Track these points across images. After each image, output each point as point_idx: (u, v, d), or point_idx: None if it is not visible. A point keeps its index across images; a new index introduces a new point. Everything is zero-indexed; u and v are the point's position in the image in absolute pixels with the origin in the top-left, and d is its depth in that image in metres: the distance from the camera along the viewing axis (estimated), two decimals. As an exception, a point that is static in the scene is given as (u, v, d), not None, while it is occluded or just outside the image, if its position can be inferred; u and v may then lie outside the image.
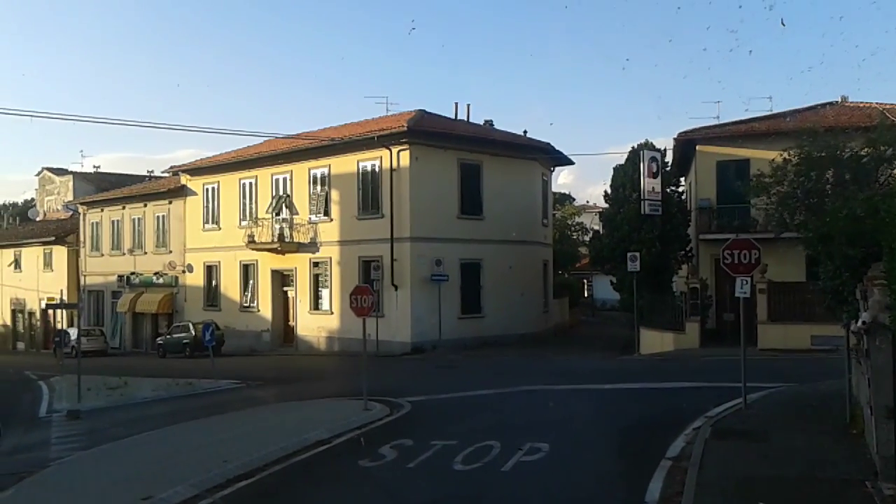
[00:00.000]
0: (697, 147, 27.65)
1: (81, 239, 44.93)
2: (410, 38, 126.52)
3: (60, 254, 46.13)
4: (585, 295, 55.80)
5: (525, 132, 33.20)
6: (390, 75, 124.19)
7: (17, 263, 48.65)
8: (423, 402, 15.69)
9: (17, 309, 49.07)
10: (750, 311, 25.92)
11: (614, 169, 28.86)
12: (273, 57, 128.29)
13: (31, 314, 47.95)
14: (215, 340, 21.30)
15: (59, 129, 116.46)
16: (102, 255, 43.49)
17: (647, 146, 27.29)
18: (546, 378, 18.65)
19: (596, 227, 61.64)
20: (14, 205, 76.06)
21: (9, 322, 49.52)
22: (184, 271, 38.12)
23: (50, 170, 59.13)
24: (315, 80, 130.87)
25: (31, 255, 47.67)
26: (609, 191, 28.87)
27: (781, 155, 15.24)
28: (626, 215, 27.39)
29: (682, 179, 31.74)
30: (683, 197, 28.64)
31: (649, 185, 26.29)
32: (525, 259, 32.10)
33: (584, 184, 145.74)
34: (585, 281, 57.92)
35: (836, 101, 29.57)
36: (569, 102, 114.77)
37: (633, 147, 28.49)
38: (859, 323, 9.07)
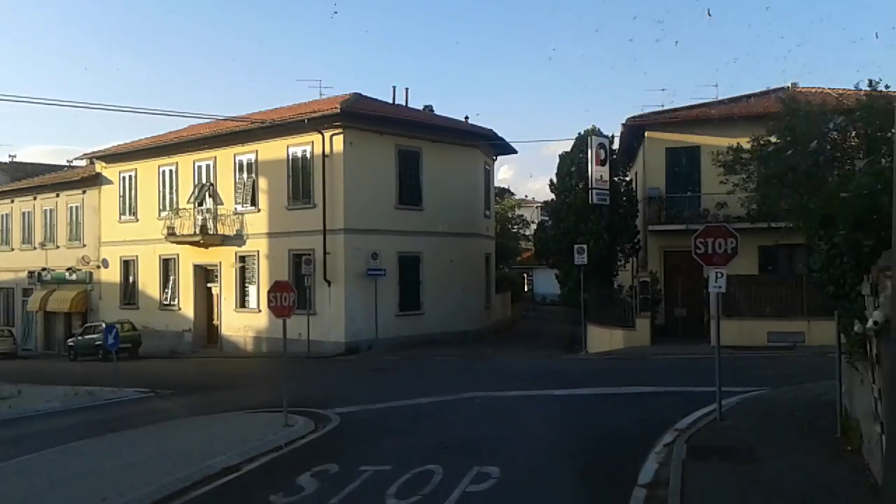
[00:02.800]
0: (646, 133, 26.37)
1: (-11, 232, 41.49)
2: (344, 20, 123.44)
3: (-33, 248, 42.54)
4: (526, 290, 54.52)
5: (466, 118, 31.48)
6: (324, 60, 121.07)
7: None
8: (354, 414, 13.80)
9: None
10: (701, 306, 24.92)
11: (560, 156, 27.36)
12: (197, 36, 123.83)
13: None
14: (119, 343, 18.95)
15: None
16: (12, 249, 40.19)
17: (595, 132, 25.83)
18: (491, 382, 16.97)
19: (535, 222, 60.84)
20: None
21: None
22: (98, 266, 35.30)
23: (-40, 159, 55.03)
24: (244, 64, 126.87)
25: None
26: (555, 179, 27.35)
27: (752, 140, 13.89)
28: (572, 205, 25.92)
29: (630, 168, 30.44)
30: (632, 186, 27.29)
31: (597, 172, 24.85)
32: (467, 252, 30.43)
33: (524, 178, 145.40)
34: (526, 275, 56.80)
35: (787, 87, 28.64)
36: (502, 93, 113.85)
37: (579, 133, 27.03)
38: (869, 323, 7.54)
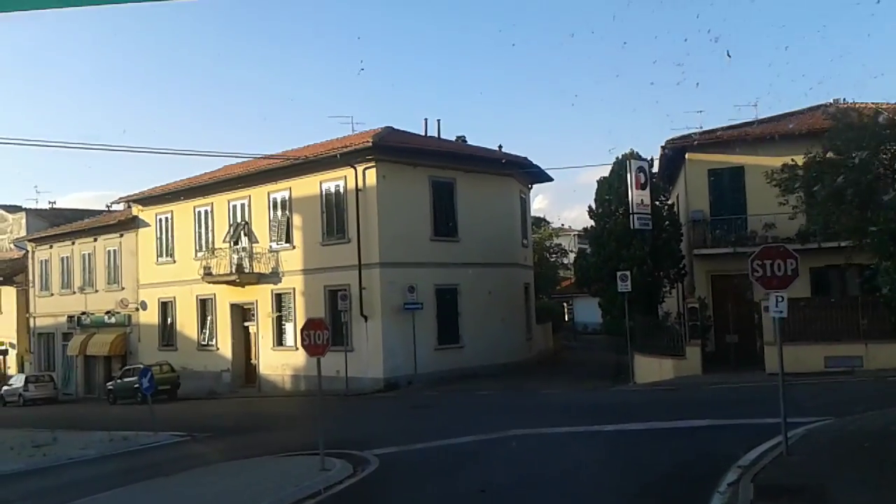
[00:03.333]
0: (687, 155, 25.57)
1: (30, 278, 41.93)
2: (375, 56, 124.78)
3: (9, 295, 43.18)
4: (567, 319, 53.51)
5: (500, 147, 31.01)
6: (355, 97, 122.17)
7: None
8: (393, 455, 13.15)
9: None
10: (753, 331, 23.89)
11: (598, 182, 26.71)
12: (228, 78, 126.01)
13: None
14: (154, 387, 18.60)
15: (13, 165, 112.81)
16: (52, 294, 40.50)
17: (634, 156, 25.15)
18: (536, 417, 16.22)
19: (574, 251, 59.97)
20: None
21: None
22: (137, 309, 35.30)
23: (2, 207, 56.11)
24: (277, 104, 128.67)
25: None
26: (594, 205, 26.66)
27: (806, 155, 13.15)
28: (612, 231, 25.20)
29: (671, 191, 29.64)
30: (674, 210, 26.46)
31: (637, 197, 24.11)
32: (505, 283, 29.75)
33: (559, 208, 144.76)
34: (566, 304, 55.88)
35: (831, 102, 27.71)
36: (530, 130, 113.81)
37: (617, 157, 26.38)
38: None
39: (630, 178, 24.12)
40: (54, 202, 54.41)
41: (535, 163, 30.43)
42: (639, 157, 25.58)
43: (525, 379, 26.11)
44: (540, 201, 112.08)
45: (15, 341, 42.55)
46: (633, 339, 23.83)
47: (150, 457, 15.81)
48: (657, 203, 25.88)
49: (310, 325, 12.24)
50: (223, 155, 38.73)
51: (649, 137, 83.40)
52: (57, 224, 44.53)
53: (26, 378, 36.55)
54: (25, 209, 52.39)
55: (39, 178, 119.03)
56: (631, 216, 24.05)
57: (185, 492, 11.65)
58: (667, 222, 25.55)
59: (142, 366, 31.10)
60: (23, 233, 48.02)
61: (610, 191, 25.93)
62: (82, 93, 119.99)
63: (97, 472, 14.70)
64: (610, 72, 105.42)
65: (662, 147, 25.81)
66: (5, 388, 37.37)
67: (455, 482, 10.83)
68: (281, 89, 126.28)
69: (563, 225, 60.33)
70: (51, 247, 40.63)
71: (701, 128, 27.02)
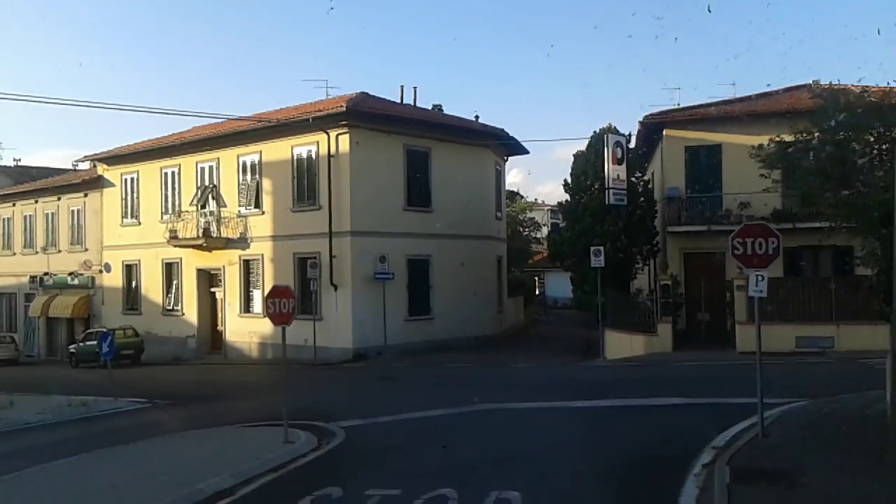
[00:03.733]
0: (665, 131, 25.32)
1: (-9, 236, 40.78)
2: (348, 20, 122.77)
3: (-31, 253, 41.87)
4: (538, 293, 53.46)
5: (476, 117, 30.54)
6: (330, 62, 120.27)
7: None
8: (360, 427, 12.83)
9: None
10: (724, 310, 23.85)
11: (575, 156, 26.40)
12: (199, 36, 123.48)
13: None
14: (113, 352, 18.04)
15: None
16: (14, 254, 39.47)
17: (611, 130, 24.82)
18: (506, 392, 15.97)
19: (547, 225, 59.79)
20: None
21: None
22: (101, 271, 34.49)
23: (-37, 163, 54.47)
24: (248, 65, 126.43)
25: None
26: (569, 179, 26.35)
27: (777, 137, 12.94)
28: (587, 206, 24.95)
29: (647, 167, 29.41)
30: (650, 186, 26.23)
31: (614, 172, 23.85)
32: (478, 255, 29.44)
33: (533, 182, 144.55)
34: (537, 278, 55.82)
35: (810, 84, 27.52)
36: (508, 96, 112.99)
37: (594, 132, 26.03)
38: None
39: (607, 153, 23.82)
40: (19, 159, 53.03)
41: (511, 135, 29.95)
42: (616, 132, 25.26)
43: (495, 352, 25.94)
44: (514, 175, 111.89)
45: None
46: (604, 314, 23.67)
47: (107, 423, 15.34)
48: (633, 179, 25.66)
49: (275, 293, 11.77)
50: (193, 115, 37.81)
51: (626, 94, 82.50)
52: (21, 181, 43.32)
53: (-16, 339, 35.67)
54: (-12, 165, 51.00)
55: (5, 134, 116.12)
56: (606, 191, 23.80)
57: (142, 461, 11.22)
58: (642, 198, 25.35)
59: (104, 330, 30.59)
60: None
61: (586, 165, 25.63)
62: (51, 49, 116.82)
63: (54, 438, 14.24)
64: (587, 23, 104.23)
65: (640, 122, 25.53)
66: (-38, 348, 36.48)
67: (421, 457, 10.53)
68: (252, 50, 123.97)
69: (536, 199, 60.10)
70: (13, 205, 39.47)
71: (678, 104, 26.82)
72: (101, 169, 34.73)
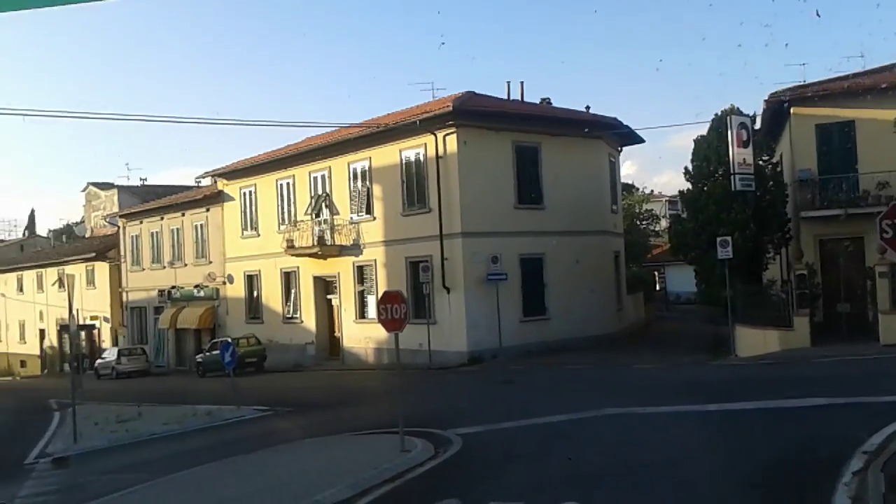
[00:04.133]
0: (792, 110, 23.55)
1: (122, 253, 43.00)
2: (455, 22, 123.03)
3: (102, 270, 44.44)
4: (657, 288, 51.43)
5: (588, 108, 29.48)
6: (436, 64, 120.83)
7: (61, 282, 47.04)
8: (477, 435, 12.30)
9: (64, 329, 47.46)
10: (864, 300, 21.91)
11: (695, 141, 24.93)
12: (312, 52, 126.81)
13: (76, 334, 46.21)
14: (235, 362, 18.30)
15: (106, 144, 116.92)
16: (143, 269, 41.41)
17: (735, 111, 23.29)
18: (630, 395, 15.06)
19: (665, 217, 57.54)
20: (69, 225, 75.54)
21: (55, 343, 47.97)
22: (224, 282, 35.61)
23: (95, 185, 57.97)
24: (358, 77, 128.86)
25: (74, 273, 46.06)
26: (690, 167, 24.94)
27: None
28: (711, 193, 23.50)
29: (773, 150, 27.54)
30: (778, 170, 24.44)
31: (739, 156, 22.32)
32: (594, 251, 28.40)
33: (648, 174, 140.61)
34: (657, 273, 53.77)
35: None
36: (613, 107, 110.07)
37: (716, 114, 24.55)
38: None
39: (731, 136, 22.32)
40: (145, 179, 55.93)
41: (625, 124, 28.74)
42: (740, 113, 23.64)
43: (616, 352, 24.90)
44: (628, 167, 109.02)
45: (109, 315, 43.79)
46: (734, 309, 22.22)
47: (231, 433, 15.51)
48: (760, 162, 23.98)
49: (386, 299, 11.42)
50: (303, 125, 39.10)
51: (739, 102, 79.27)
52: (148, 200, 45.53)
53: (119, 351, 37.55)
54: (117, 186, 54.02)
55: (131, 156, 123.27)
56: (732, 177, 22.30)
57: (262, 471, 11.11)
58: (770, 183, 23.65)
59: (229, 339, 31.52)
60: (115, 209, 49.39)
61: (708, 150, 24.16)
62: (171, 73, 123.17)
63: (177, 448, 14.48)
64: (695, 35, 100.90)
65: (766, 100, 23.84)
66: (99, 361, 38.54)
67: (545, 467, 9.89)
68: (363, 62, 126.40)
69: (652, 191, 57.88)
70: (141, 222, 41.48)
71: (804, 81, 24.91)
72: (221, 184, 35.88)
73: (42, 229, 78.48)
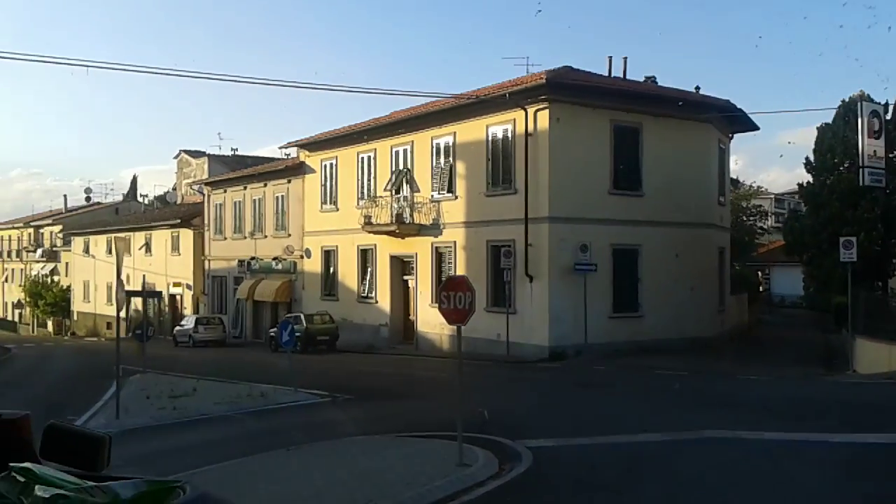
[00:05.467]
0: (939, 95, 20.52)
1: (206, 222, 42.81)
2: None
3: (187, 237, 44.44)
4: (761, 289, 47.96)
5: (697, 88, 26.83)
6: (533, 38, 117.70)
7: (147, 247, 47.47)
8: (551, 450, 10.46)
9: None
10: None
11: (819, 129, 22.17)
12: (404, 23, 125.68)
13: (159, 299, 46.52)
14: (294, 342, 16.95)
15: (202, 113, 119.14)
16: (225, 238, 41.07)
17: (865, 98, 20.42)
18: (734, 413, 12.87)
19: (772, 213, 53.64)
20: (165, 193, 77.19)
21: (139, 307, 48.37)
22: (302, 256, 34.70)
23: (187, 152, 58.52)
24: (453, 49, 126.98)
25: (160, 238, 46.47)
26: (812, 157, 22.18)
27: None
28: (835, 188, 20.77)
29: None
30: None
31: (870, 147, 19.51)
32: (696, 245, 25.86)
33: (754, 170, 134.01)
34: (760, 273, 50.25)
35: None
36: (718, 89, 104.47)
37: (843, 101, 21.72)
38: None
39: (861, 124, 19.52)
40: (236, 149, 56.02)
41: (738, 107, 25.96)
42: (870, 100, 20.74)
43: (716, 358, 22.46)
44: (733, 163, 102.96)
45: (191, 282, 43.77)
46: (854, 318, 19.54)
47: (282, 419, 14.13)
48: (891, 156, 21.02)
49: (450, 285, 9.71)
50: (388, 93, 37.52)
51: (844, 87, 73.46)
52: (237, 170, 45.25)
53: (197, 320, 37.25)
54: (208, 154, 54.22)
55: (225, 127, 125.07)
56: (861, 170, 19.52)
57: (294, 477, 9.61)
58: (905, 179, 20.69)
59: (301, 314, 30.55)
60: (205, 177, 49.44)
61: (833, 140, 21.39)
62: (263, 43, 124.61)
63: (218, 434, 13.27)
64: (797, 13, 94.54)
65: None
66: (177, 328, 38.41)
67: (633, 500, 8.02)
68: (456, 34, 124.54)
69: (760, 186, 53.70)
70: (225, 191, 41.10)
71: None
72: (303, 155, 34.92)
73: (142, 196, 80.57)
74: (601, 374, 19.22)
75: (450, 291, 9.63)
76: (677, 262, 24.83)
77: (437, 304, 25.45)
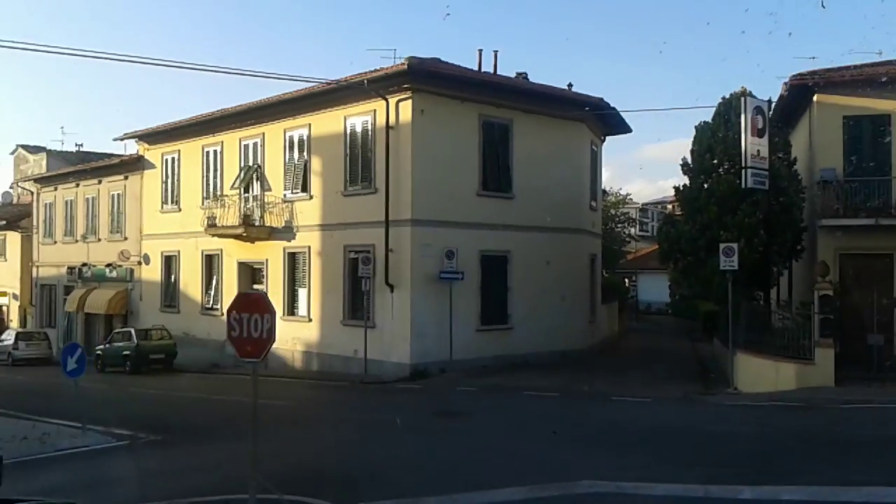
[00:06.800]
0: (816, 97, 19.60)
1: (34, 224, 37.85)
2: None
3: (14, 241, 39.34)
4: (630, 296, 47.75)
5: (570, 85, 25.16)
6: (403, 35, 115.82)
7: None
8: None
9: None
10: (889, 330, 18.05)
11: (697, 128, 20.79)
12: (262, 16, 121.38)
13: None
14: (83, 370, 13.63)
15: (42, 107, 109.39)
16: (55, 242, 36.37)
17: (748, 94, 19.14)
18: (614, 451, 10.83)
19: (637, 220, 53.68)
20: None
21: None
22: (139, 263, 30.82)
23: (25, 147, 52.39)
24: (313, 38, 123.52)
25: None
26: (689, 158, 20.82)
27: None
28: (714, 191, 19.40)
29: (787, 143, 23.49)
30: (794, 169, 20.37)
31: (753, 146, 18.21)
32: (568, 252, 24.23)
33: (619, 181, 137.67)
34: (627, 280, 50.20)
35: None
36: (603, 79, 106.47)
37: (723, 97, 20.47)
38: None
39: (745, 121, 18.19)
40: (81, 145, 50.58)
41: (611, 105, 24.49)
42: (754, 97, 19.36)
43: (589, 373, 20.70)
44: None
45: (18, 292, 38.67)
46: (735, 331, 18.19)
47: (41, 479, 10.80)
48: (777, 157, 19.90)
49: (242, 305, 7.07)
50: (237, 73, 33.85)
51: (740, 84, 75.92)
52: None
53: (17, 335, 32.58)
54: (48, 150, 48.62)
55: (67, 121, 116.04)
56: (744, 171, 18.17)
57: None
58: (785, 183, 19.56)
59: (132, 330, 26.87)
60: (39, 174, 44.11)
61: (713, 139, 20.05)
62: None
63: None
64: (701, 19, 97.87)
65: (786, 83, 19.82)
66: (-4, 344, 33.57)
67: None
68: (323, 30, 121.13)
69: (628, 194, 53.58)
70: (55, 189, 36.38)
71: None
72: (142, 148, 31.08)
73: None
74: (465, 398, 16.93)
75: (242, 313, 6.97)
76: (548, 269, 23.09)
77: (290, 318, 22.65)
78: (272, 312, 7.09)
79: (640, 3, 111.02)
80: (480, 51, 25.51)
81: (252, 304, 7.06)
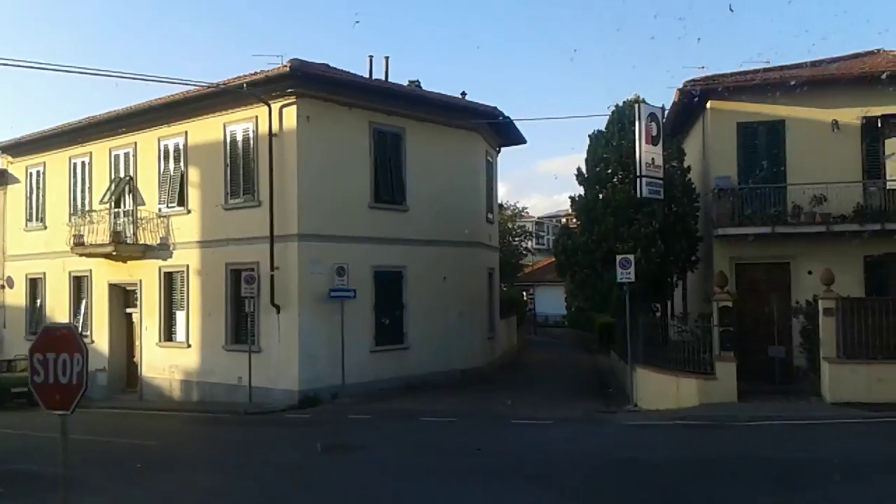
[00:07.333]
0: (710, 103, 19.50)
1: None
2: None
3: None
4: (528, 309, 47.60)
5: (463, 94, 24.40)
6: (292, 43, 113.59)
7: None
8: None
9: None
10: (786, 342, 17.95)
11: (591, 137, 20.33)
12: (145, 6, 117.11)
13: None
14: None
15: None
16: None
17: (641, 101, 18.78)
18: (518, 489, 9.82)
19: (533, 233, 53.75)
20: None
21: None
22: (2, 286, 28.03)
23: None
24: (195, 43, 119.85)
25: None
26: (584, 168, 20.32)
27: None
28: (609, 201, 18.93)
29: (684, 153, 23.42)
30: (688, 178, 20.17)
31: (648, 154, 17.83)
32: (464, 267, 23.35)
33: (516, 195, 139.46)
34: (525, 293, 50.08)
35: (875, 51, 21.95)
36: (515, 98, 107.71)
37: (617, 105, 20.09)
38: None
39: (639, 128, 17.79)
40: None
41: (506, 114, 23.86)
42: (647, 104, 18.96)
43: (488, 393, 19.85)
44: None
45: None
46: (633, 345, 17.71)
47: None
48: (672, 166, 19.64)
49: (47, 343, 5.60)
50: (108, 75, 31.48)
51: (649, 97, 77.79)
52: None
53: None
54: None
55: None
56: (638, 180, 17.74)
57: None
58: (679, 191, 19.30)
59: (-12, 361, 24.26)
60: None
61: (607, 148, 19.62)
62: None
63: None
64: (611, 26, 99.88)
65: (679, 90, 19.61)
66: None
67: None
68: (203, 29, 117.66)
69: (524, 208, 53.61)
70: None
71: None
72: (6, 161, 28.37)
73: None
74: (358, 427, 15.64)
75: (47, 353, 5.55)
76: (445, 285, 22.15)
77: (167, 343, 20.81)
78: (83, 352, 5.67)
79: (550, 10, 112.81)
80: (371, 57, 24.51)
81: (59, 342, 5.65)
